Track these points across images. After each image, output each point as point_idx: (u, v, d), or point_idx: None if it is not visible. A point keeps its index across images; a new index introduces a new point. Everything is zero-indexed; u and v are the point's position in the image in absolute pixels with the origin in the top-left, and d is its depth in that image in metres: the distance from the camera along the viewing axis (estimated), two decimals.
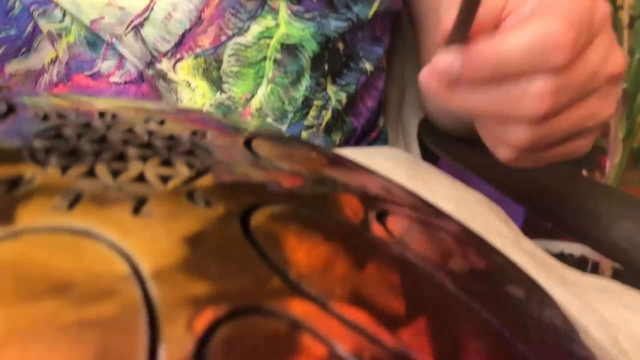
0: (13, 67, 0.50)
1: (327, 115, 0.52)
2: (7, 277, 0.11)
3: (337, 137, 0.54)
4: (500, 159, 0.34)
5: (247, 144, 0.19)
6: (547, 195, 0.47)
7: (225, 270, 0.13)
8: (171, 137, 0.17)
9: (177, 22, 0.47)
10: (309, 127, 0.51)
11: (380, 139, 0.61)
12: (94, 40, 0.48)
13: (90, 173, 0.15)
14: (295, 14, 0.50)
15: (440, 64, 0.31)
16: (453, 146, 0.65)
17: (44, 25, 0.49)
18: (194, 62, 0.48)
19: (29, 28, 0.50)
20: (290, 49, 0.50)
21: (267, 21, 0.49)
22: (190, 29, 0.47)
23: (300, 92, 0.50)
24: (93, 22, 0.47)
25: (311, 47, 0.50)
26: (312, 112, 0.51)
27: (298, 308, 0.12)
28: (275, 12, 0.49)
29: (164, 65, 0.47)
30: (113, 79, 0.47)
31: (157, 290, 0.12)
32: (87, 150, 0.15)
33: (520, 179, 0.48)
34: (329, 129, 0.53)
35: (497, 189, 0.53)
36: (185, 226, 0.13)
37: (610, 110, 0.34)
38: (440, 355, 0.13)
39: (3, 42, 0.51)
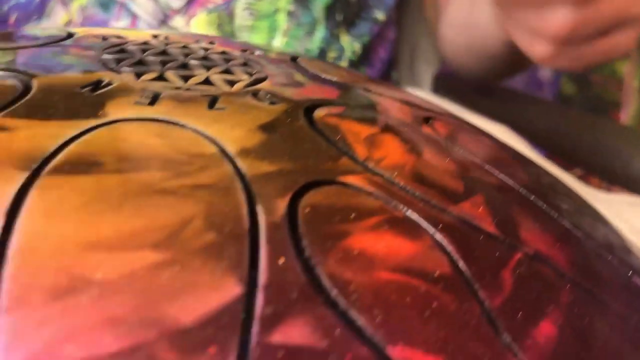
0: None
1: (343, 65, 0.53)
2: (110, 153, 0.12)
3: None
4: (537, 57, 0.33)
5: (293, 59, 0.20)
6: (567, 137, 0.47)
7: (300, 152, 0.14)
8: (224, 52, 0.18)
9: None
10: None
11: None
12: (106, 0, 0.48)
13: (161, 78, 0.15)
14: None
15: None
16: (470, 97, 0.65)
17: None
18: (208, 18, 0.48)
19: None
20: (302, 0, 0.50)
21: None
22: None
23: (315, 43, 0.51)
24: None
25: None
26: None
27: (369, 181, 0.13)
28: None
29: (178, 22, 0.48)
30: None
31: (245, 165, 0.13)
32: (153, 61, 0.16)
33: (540, 125, 0.49)
34: None
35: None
36: (257, 118, 0.14)
37: None
38: (499, 225, 0.14)
39: (15, 9, 0.51)
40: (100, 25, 0.48)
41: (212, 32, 0.48)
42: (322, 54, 0.52)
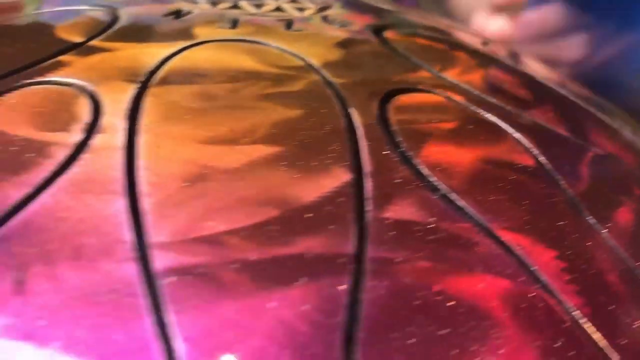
0: None
1: None
2: (209, 67, 0.13)
3: None
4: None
5: None
6: None
7: (378, 65, 0.14)
8: None
9: None
10: None
11: None
12: None
13: (235, 7, 0.16)
14: None
15: (493, 27, 0.41)
16: None
17: None
18: None
19: None
20: None
21: None
22: None
23: None
24: None
25: None
26: None
27: (448, 89, 0.14)
28: None
29: None
30: None
31: (331, 75, 0.13)
32: None
33: None
34: None
35: None
36: (333, 37, 0.15)
37: None
38: (570, 129, 0.15)
39: None
40: None
41: None
42: None
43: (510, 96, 0.15)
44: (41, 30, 0.15)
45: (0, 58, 0.13)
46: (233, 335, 0.09)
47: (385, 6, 0.20)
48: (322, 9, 0.17)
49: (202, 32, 0.14)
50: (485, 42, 0.19)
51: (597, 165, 0.14)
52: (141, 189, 0.10)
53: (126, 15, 0.15)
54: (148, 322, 0.09)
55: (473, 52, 0.17)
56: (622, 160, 0.15)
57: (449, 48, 0.16)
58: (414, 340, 0.09)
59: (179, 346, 0.09)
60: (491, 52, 0.17)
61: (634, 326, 0.11)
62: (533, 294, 0.10)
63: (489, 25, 0.43)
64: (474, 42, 0.18)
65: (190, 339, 0.09)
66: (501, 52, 0.18)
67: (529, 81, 0.16)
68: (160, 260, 0.09)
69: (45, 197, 0.10)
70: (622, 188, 0.14)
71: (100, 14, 0.15)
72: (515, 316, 0.10)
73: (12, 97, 0.12)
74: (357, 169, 0.11)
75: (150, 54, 0.13)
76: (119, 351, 0.09)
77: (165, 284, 0.09)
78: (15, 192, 0.10)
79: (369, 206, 0.11)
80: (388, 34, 0.16)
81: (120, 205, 0.10)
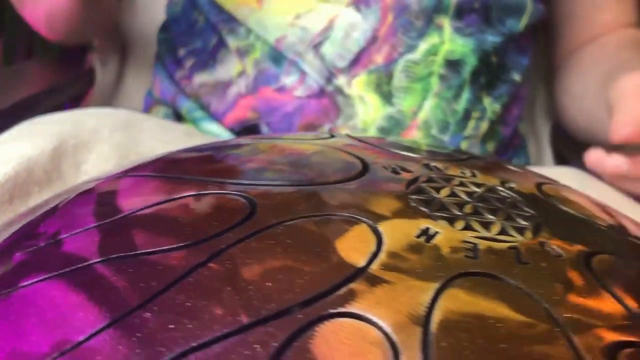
0: (203, 77, 0.56)
1: (484, 125, 0.56)
2: (471, 314, 0.16)
3: (490, 146, 0.57)
4: None
5: (539, 189, 0.23)
6: None
7: (595, 310, 0.17)
8: (492, 190, 0.22)
9: (354, 40, 0.52)
10: (467, 138, 0.55)
11: (523, 146, 0.64)
12: (278, 56, 0.53)
13: (467, 227, 0.19)
14: (457, 30, 0.54)
15: (611, 164, 0.45)
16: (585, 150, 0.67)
17: (232, 42, 0.55)
18: (368, 78, 0.52)
19: (213, 42, 0.56)
20: (453, 65, 0.53)
21: (433, 39, 0.53)
22: (365, 47, 0.52)
23: (461, 105, 0.54)
24: (277, 40, 0.53)
25: (471, 62, 0.54)
26: (471, 124, 0.55)
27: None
28: (440, 29, 0.53)
29: (341, 80, 0.52)
30: (296, 93, 0.53)
31: (576, 339, 0.16)
32: (449, 204, 0.20)
33: None
34: (484, 139, 0.56)
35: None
36: (554, 274, 0.18)
37: None
38: None
39: (191, 55, 0.57)
40: (271, 80, 0.53)
41: (370, 91, 0.53)
42: (466, 114, 0.55)
43: None
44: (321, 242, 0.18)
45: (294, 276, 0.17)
46: None
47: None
48: (537, 226, 0.20)
49: (455, 266, 0.17)
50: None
51: None
52: None
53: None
54: None
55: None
56: None
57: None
58: None
59: None
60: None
61: None
62: None
63: (606, 161, 0.45)
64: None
65: None
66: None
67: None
68: None
69: None
70: None
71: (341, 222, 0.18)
72: None
73: (327, 329, 0.15)
74: None
75: (420, 288, 0.16)
76: None
77: None
78: None
79: None
80: (597, 262, 0.19)
81: None
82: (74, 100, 0.57)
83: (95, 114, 0.38)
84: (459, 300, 0.16)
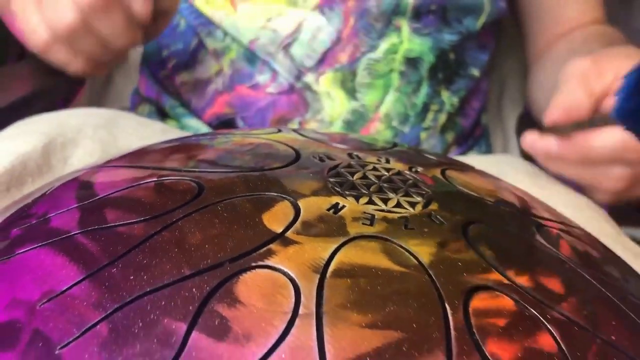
0: (184, 77, 0.61)
1: (442, 117, 0.61)
2: (361, 266, 0.21)
3: (449, 137, 0.62)
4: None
5: (443, 173, 0.28)
6: None
7: (463, 265, 0.22)
8: (400, 173, 0.27)
9: (320, 42, 0.57)
10: (426, 129, 0.60)
11: (484, 136, 0.69)
12: (252, 57, 0.58)
13: (370, 202, 0.24)
14: (415, 30, 0.58)
15: (542, 144, 0.46)
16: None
17: (210, 43, 0.59)
18: (334, 76, 0.57)
19: (193, 44, 0.61)
20: (412, 62, 0.58)
21: (393, 39, 0.58)
22: (330, 48, 0.57)
23: (420, 98, 0.59)
24: (251, 42, 0.58)
25: (429, 59, 0.59)
26: (430, 116, 0.60)
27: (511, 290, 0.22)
28: (398, 30, 0.58)
29: (309, 78, 0.57)
30: (269, 89, 0.58)
31: (435, 274, 0.21)
32: (360, 185, 0.25)
33: None
34: (443, 130, 0.61)
35: None
36: (434, 235, 0.23)
37: None
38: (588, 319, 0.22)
39: (174, 55, 0.62)
40: (246, 78, 0.58)
41: (336, 87, 0.58)
42: (425, 107, 0.60)
43: (549, 292, 0.22)
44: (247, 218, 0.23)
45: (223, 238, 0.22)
46: None
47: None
48: (427, 202, 0.25)
49: (353, 229, 0.22)
50: (539, 226, 0.26)
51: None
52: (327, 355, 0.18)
53: (304, 206, 0.23)
54: None
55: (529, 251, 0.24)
56: (626, 349, 0.22)
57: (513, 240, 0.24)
58: None
59: None
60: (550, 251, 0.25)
61: None
62: None
63: (537, 143, 0.47)
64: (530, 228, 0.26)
65: None
66: (553, 233, 0.26)
67: (568, 277, 0.24)
68: None
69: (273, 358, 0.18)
70: None
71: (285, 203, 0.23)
72: None
73: (248, 277, 0.20)
74: (448, 352, 0.19)
75: (324, 248, 0.21)
76: None
77: None
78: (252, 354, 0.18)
79: None
80: (474, 231, 0.24)
81: None
82: (66, 99, 0.62)
83: (81, 114, 0.43)
84: (351, 255, 0.21)
